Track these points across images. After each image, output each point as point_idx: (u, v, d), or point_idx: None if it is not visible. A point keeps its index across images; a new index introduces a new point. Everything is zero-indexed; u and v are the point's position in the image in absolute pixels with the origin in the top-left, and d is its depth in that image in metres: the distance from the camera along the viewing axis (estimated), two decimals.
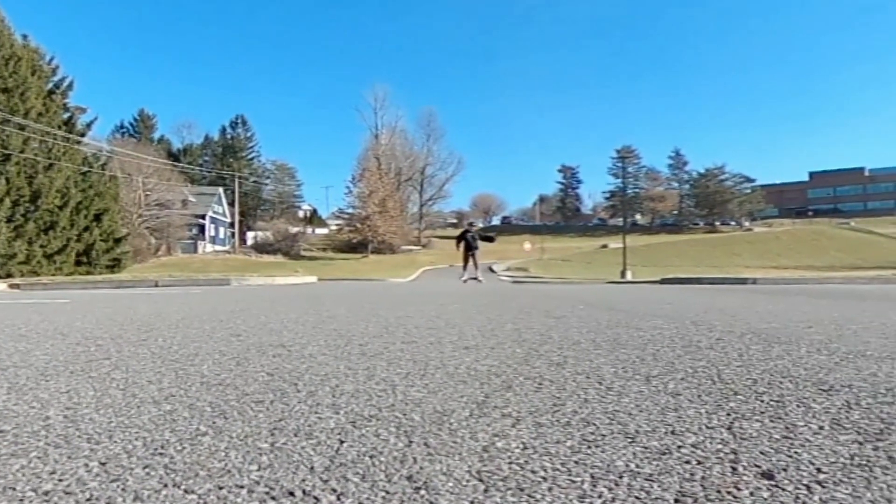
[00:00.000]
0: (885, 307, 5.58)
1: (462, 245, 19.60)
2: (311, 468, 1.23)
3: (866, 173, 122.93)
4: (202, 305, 6.63)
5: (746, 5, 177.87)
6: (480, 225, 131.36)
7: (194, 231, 67.74)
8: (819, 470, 1.19)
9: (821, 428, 1.48)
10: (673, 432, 1.45)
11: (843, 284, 13.52)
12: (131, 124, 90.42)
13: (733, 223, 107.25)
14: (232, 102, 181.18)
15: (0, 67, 25.96)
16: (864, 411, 1.64)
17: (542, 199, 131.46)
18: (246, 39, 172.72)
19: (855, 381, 2.02)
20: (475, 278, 18.82)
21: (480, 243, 20.01)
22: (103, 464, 1.28)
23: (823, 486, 1.11)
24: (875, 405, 1.70)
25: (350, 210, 76.69)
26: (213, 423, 1.59)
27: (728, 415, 1.61)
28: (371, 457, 1.30)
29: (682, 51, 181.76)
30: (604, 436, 1.43)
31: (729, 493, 1.09)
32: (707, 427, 1.49)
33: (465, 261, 19.49)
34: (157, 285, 15.44)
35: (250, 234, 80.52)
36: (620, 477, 1.17)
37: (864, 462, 1.23)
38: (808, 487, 1.10)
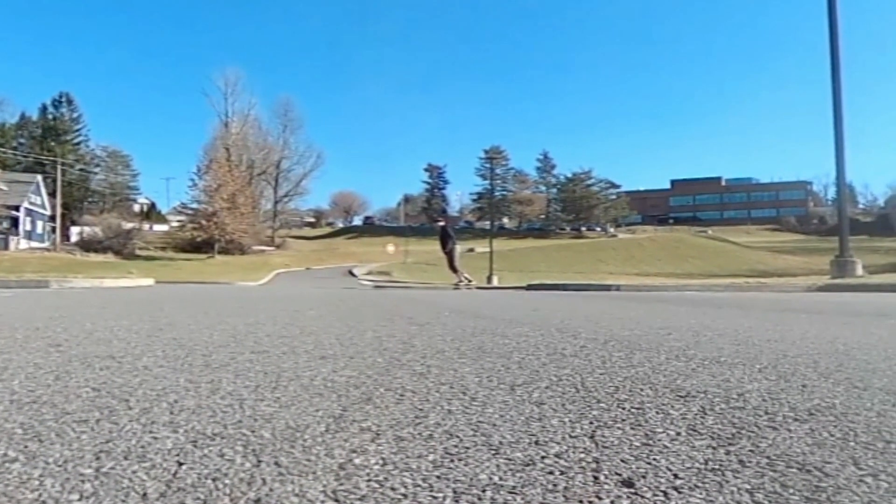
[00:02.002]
0: (738, 314, 6.10)
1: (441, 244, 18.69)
2: (144, 495, 1.17)
3: (723, 183, 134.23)
4: (14, 311, 6.11)
5: (618, 8, 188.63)
6: (340, 225, 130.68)
7: (5, 224, 62.29)
8: (676, 476, 1.28)
9: (678, 434, 1.59)
10: (537, 442, 1.50)
11: (701, 292, 14.58)
12: None
13: (599, 229, 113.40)
14: (55, 79, 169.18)
15: None
16: (717, 416, 1.78)
17: (406, 200, 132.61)
18: (74, 5, 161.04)
19: (710, 387, 2.19)
20: (467, 279, 18.27)
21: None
22: None
23: (680, 492, 1.19)
24: (728, 410, 1.86)
25: (194, 205, 73.52)
26: (25, 447, 1.46)
27: (591, 423, 1.70)
28: (214, 479, 1.25)
29: (553, 52, 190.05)
30: (467, 448, 1.46)
31: (591, 503, 1.14)
32: (570, 436, 1.56)
33: (453, 262, 18.70)
34: None
35: (75, 230, 75.06)
36: (483, 491, 1.20)
37: (717, 466, 1.34)
38: (665, 494, 1.18)
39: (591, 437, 1.57)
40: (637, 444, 1.51)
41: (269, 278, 43.29)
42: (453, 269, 18.56)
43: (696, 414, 1.81)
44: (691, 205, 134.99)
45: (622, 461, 1.37)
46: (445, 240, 18.19)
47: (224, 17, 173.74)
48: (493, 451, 1.43)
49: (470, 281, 18.42)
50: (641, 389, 2.16)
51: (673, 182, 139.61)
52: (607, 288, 15.73)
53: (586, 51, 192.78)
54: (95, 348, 3.16)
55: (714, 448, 1.47)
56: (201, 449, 1.45)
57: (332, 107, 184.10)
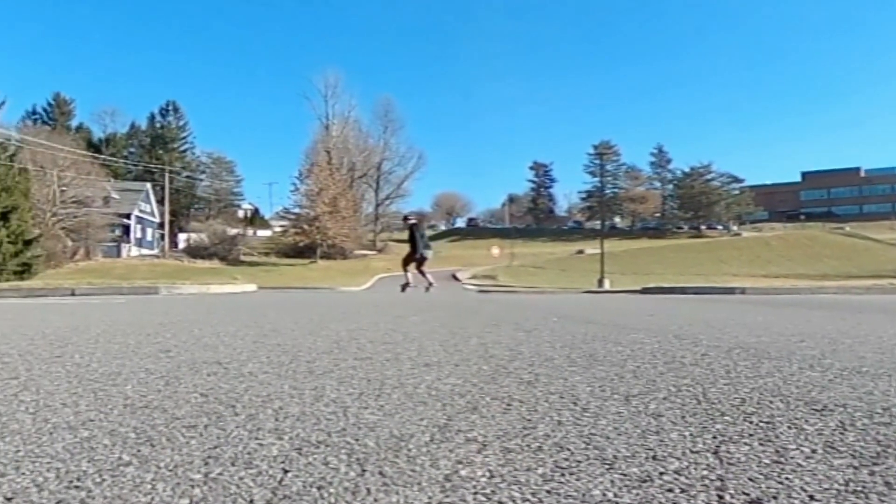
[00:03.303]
0: (882, 320, 5.74)
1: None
2: (251, 502, 1.22)
3: (862, 174, 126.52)
4: (126, 317, 6.51)
5: None
6: (442, 227, 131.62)
7: (117, 232, 66.47)
8: (812, 497, 1.21)
9: (813, 451, 1.51)
10: (654, 457, 1.47)
11: (838, 295, 13.87)
12: (45, 110, 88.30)
13: (720, 227, 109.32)
14: (162, 88, 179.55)
15: None
16: (859, 433, 1.68)
17: (511, 200, 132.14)
18: (178, 16, 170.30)
19: (850, 401, 2.07)
20: (409, 284, 17.40)
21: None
22: (9, 499, 1.24)
23: None
24: (871, 426, 1.75)
25: (296, 210, 76.11)
26: (138, 451, 1.56)
27: (714, 438, 1.64)
28: (319, 488, 1.29)
29: (667, 40, 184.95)
30: (579, 462, 1.44)
31: None
32: (692, 451, 1.52)
33: (415, 262, 17.57)
34: (73, 294, 15.12)
35: (182, 237, 79.30)
36: None
37: (859, 488, 1.26)
38: None
39: (715, 452, 1.51)
40: (767, 461, 1.44)
41: (371, 283, 44.26)
42: (408, 263, 17.65)
43: (833, 430, 1.72)
44: (825, 199, 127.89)
45: (750, 480, 1.32)
46: (415, 242, 17.31)
47: (323, 19, 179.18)
48: (607, 466, 1.41)
49: (428, 285, 17.49)
50: (771, 402, 2.07)
51: (804, 174, 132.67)
52: (731, 291, 15.21)
53: (702, 37, 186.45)
54: (203, 354, 3.32)
55: (856, 468, 1.39)
56: (306, 456, 1.50)
57: (433, 106, 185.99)
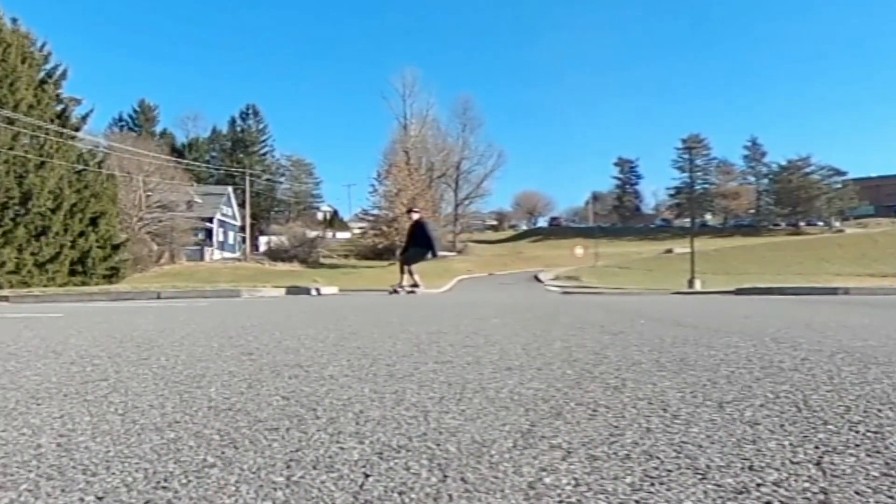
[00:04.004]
0: None
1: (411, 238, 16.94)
2: None
3: None
4: (209, 320, 6.72)
5: None
6: (523, 227, 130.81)
7: (200, 236, 68.84)
8: None
9: None
10: (751, 468, 1.42)
11: None
12: (130, 116, 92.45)
13: (821, 223, 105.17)
14: (242, 91, 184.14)
15: None
16: None
17: (595, 198, 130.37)
18: (256, 21, 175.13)
19: None
20: (402, 287, 16.35)
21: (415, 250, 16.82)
22: (100, 498, 1.30)
23: None
24: None
25: (375, 211, 77.27)
26: (222, 453, 1.61)
27: (816, 448, 1.58)
28: (400, 493, 1.30)
29: (758, 24, 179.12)
30: (669, 471, 1.41)
31: None
32: (792, 462, 1.46)
33: (407, 261, 16.76)
34: (159, 297, 15.70)
35: (263, 239, 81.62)
36: None
37: None
38: None
39: (817, 463, 1.46)
40: (875, 473, 1.38)
41: (451, 285, 44.42)
42: (406, 264, 16.71)
43: None
44: None
45: (856, 493, 1.26)
46: (427, 238, 16.24)
47: (400, 16, 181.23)
48: (700, 476, 1.38)
49: (414, 287, 16.47)
50: (879, 410, 1.98)
51: None
52: (833, 291, 14.61)
53: (796, 18, 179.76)
54: (284, 357, 3.41)
55: None
56: (387, 461, 1.52)
57: (512, 102, 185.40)
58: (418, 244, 16.64)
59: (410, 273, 16.54)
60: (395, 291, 16.45)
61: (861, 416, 1.90)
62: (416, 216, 17.37)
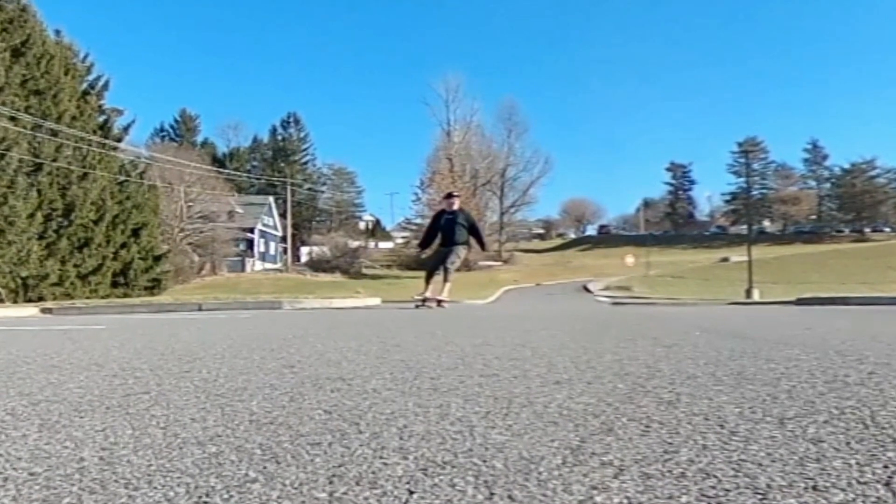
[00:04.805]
0: None
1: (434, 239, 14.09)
2: None
3: None
4: (251, 332, 6.81)
5: None
6: (571, 236, 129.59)
7: (242, 247, 69.92)
8: None
9: None
10: (815, 488, 1.39)
11: None
12: (172, 126, 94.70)
13: (888, 229, 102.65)
14: (283, 99, 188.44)
15: (32, 67, 27.61)
16: None
17: (646, 204, 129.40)
18: (297, 28, 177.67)
19: None
20: (437, 300, 13.58)
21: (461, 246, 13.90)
22: None
23: None
24: None
25: (419, 220, 77.67)
26: (264, 467, 1.63)
27: (885, 468, 1.54)
28: None
29: (818, 21, 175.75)
30: (727, 490, 1.39)
31: None
32: (859, 482, 1.43)
33: (433, 268, 13.94)
34: (200, 309, 15.94)
35: (304, 250, 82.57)
36: None
37: None
38: None
39: (887, 484, 1.41)
40: None
41: (497, 296, 44.34)
42: (445, 270, 13.65)
43: None
44: None
45: None
46: (451, 233, 13.54)
47: (443, 21, 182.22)
48: (760, 496, 1.35)
49: (439, 303, 13.62)
50: None
51: None
52: None
53: (856, 12, 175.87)
54: (326, 370, 3.43)
55: None
56: (432, 477, 1.51)
57: (560, 106, 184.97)
58: (457, 241, 13.84)
59: (446, 276, 13.69)
60: (423, 303, 13.70)
61: None
62: (456, 203, 14.39)
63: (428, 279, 13.97)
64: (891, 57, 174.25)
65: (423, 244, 14.68)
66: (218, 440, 1.92)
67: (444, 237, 13.91)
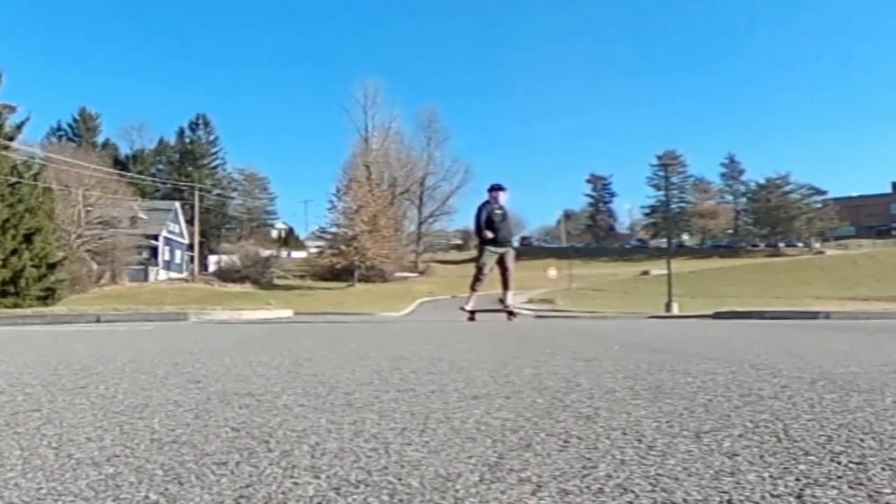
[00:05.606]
0: None
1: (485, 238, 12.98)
2: None
3: None
4: (154, 345, 6.64)
5: None
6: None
7: (145, 254, 68.08)
8: None
9: None
10: (730, 501, 1.44)
11: None
12: (70, 126, 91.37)
13: (801, 244, 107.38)
14: (191, 100, 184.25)
15: None
16: None
17: (567, 216, 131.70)
18: (206, 25, 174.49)
19: None
20: (507, 310, 13.38)
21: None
22: None
23: None
24: None
25: (333, 229, 77.17)
26: (166, 489, 1.58)
27: (798, 480, 1.60)
28: None
29: (737, 39, 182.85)
30: None
31: None
32: (772, 495, 1.48)
33: (481, 270, 13.11)
34: (98, 321, 15.46)
35: (213, 259, 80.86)
36: None
37: None
38: None
39: (799, 496, 1.47)
40: None
41: (412, 308, 44.41)
42: (504, 280, 13.42)
43: None
44: None
45: None
46: (500, 235, 12.90)
47: (361, 26, 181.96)
48: None
49: (510, 313, 13.57)
50: (862, 440, 2.01)
51: (895, 185, 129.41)
52: (814, 316, 14.87)
53: (777, 33, 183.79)
54: (234, 385, 3.37)
55: None
56: (345, 497, 1.50)
57: (481, 116, 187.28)
58: (510, 240, 13.47)
59: (509, 282, 13.37)
60: (472, 316, 13.28)
61: (843, 447, 1.93)
62: (503, 197, 13.44)
63: (475, 285, 13.46)
64: (805, 73, 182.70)
65: (485, 239, 13.06)
66: (116, 460, 1.86)
67: (495, 235, 12.98)
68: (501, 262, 13.16)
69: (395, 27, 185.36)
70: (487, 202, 13.27)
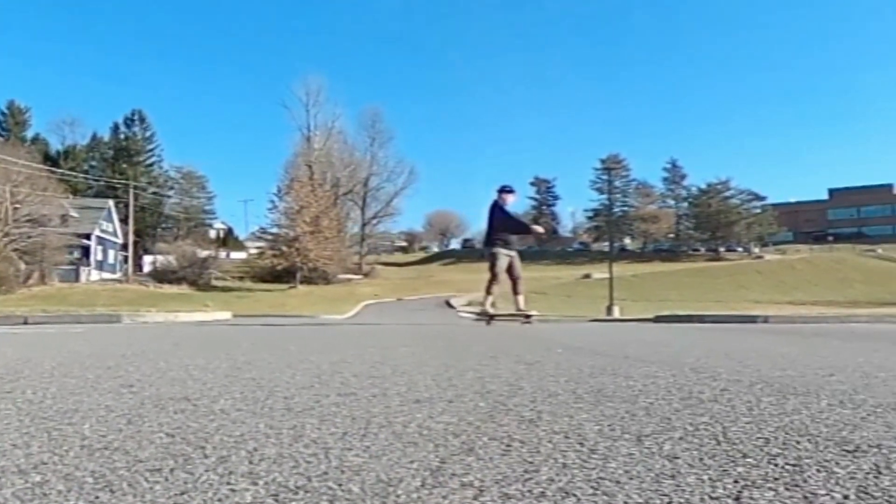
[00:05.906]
0: None
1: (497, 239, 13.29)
2: None
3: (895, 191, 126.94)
4: (84, 348, 6.48)
5: None
6: (435, 249, 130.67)
7: (76, 254, 66.42)
8: None
9: (845, 497, 1.51)
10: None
11: (870, 323, 13.88)
12: None
13: (740, 249, 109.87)
14: (126, 95, 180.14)
15: None
16: (895, 476, 1.67)
17: None
18: (142, 17, 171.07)
19: (885, 441, 2.07)
20: (523, 314, 13.40)
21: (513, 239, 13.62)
22: None
23: None
24: None
25: (274, 229, 76.24)
26: (96, 497, 1.54)
27: (736, 482, 1.63)
28: None
29: (680, 43, 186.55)
30: None
31: None
32: (711, 497, 1.51)
33: (495, 273, 13.27)
34: (26, 322, 15.05)
35: (148, 259, 79.22)
36: None
37: None
38: None
39: (737, 498, 1.50)
40: None
41: (356, 311, 44.19)
42: (514, 285, 13.49)
43: (867, 473, 1.71)
44: (855, 218, 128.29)
45: None
46: (507, 234, 13.11)
47: (303, 22, 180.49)
48: None
49: (527, 317, 13.46)
50: (798, 442, 2.07)
51: (831, 192, 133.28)
52: (752, 319, 15.22)
53: (718, 40, 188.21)
54: (169, 389, 3.31)
55: None
56: None
57: (426, 117, 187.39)
58: (516, 244, 13.77)
59: (519, 287, 13.43)
60: (490, 320, 13.39)
61: (780, 449, 1.98)
62: (511, 199, 13.87)
63: (490, 289, 13.58)
64: (746, 80, 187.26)
65: (494, 242, 13.41)
66: (43, 468, 1.81)
67: (507, 238, 13.39)
68: (511, 270, 13.34)
69: (340, 24, 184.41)
70: (496, 203, 13.51)
